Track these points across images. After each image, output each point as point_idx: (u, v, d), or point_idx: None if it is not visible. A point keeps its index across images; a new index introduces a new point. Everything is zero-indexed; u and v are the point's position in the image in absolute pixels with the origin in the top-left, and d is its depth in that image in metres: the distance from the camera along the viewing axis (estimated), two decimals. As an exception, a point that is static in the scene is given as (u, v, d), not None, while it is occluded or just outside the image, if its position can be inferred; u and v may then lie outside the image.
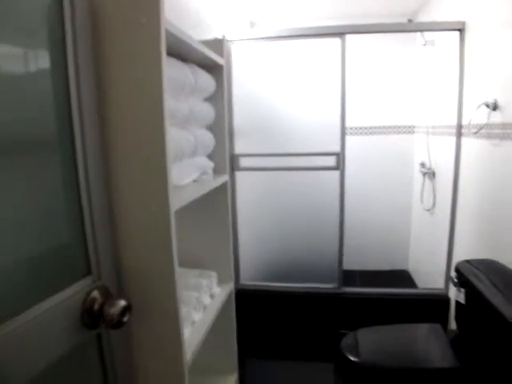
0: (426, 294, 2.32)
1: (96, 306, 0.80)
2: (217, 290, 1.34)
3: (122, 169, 0.84)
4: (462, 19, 2.04)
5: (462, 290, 1.63)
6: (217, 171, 1.36)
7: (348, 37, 2.06)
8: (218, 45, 1.25)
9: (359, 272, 3.07)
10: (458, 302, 1.68)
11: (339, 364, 1.60)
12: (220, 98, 1.30)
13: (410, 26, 2.41)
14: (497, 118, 1.73)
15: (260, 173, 2.28)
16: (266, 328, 2.34)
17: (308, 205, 2.45)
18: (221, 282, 1.39)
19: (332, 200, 2.32)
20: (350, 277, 2.45)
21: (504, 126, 1.68)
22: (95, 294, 0.81)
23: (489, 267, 1.64)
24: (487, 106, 1.78)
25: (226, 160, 1.38)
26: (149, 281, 0.89)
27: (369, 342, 1.64)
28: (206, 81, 1.19)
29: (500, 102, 1.72)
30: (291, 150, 2.32)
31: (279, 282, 2.38)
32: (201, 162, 1.22)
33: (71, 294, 0.75)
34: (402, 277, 3.14)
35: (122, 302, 0.80)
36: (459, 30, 2.02)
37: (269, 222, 2.47)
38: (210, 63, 1.22)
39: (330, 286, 2.36)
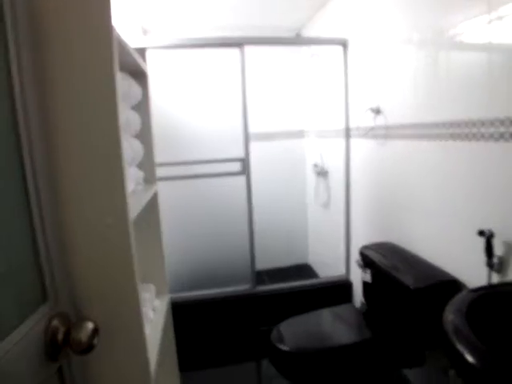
0: (331, 282, 2.57)
1: (60, 335, 0.72)
2: (157, 302, 1.30)
3: (73, 182, 0.77)
4: (344, 36, 2.34)
5: (368, 270, 1.87)
6: (146, 181, 1.32)
7: (247, 47, 2.18)
8: (140, 53, 1.23)
9: (266, 271, 3.22)
10: (364, 282, 1.92)
11: (272, 356, 1.68)
12: (146, 105, 1.27)
13: (301, 40, 2.67)
14: (381, 121, 2.03)
15: (169, 182, 2.24)
16: (191, 338, 2.30)
17: (219, 211, 2.50)
18: (157, 294, 1.35)
19: (241, 205, 2.40)
20: (259, 276, 2.56)
21: (387, 127, 1.98)
22: (55, 322, 0.73)
23: (386, 248, 1.92)
24: (372, 110, 2.07)
25: (155, 169, 1.35)
26: (110, 301, 0.83)
27: (292, 331, 1.76)
28: (135, 89, 1.15)
29: (382, 108, 2.02)
30: (198, 158, 2.33)
31: (198, 291, 2.36)
32: (134, 171, 1.17)
33: (30, 328, 0.66)
34: (305, 270, 3.40)
35: (91, 325, 0.74)
36: (343, 44, 2.32)
37: (182, 231, 2.44)
38: (136, 71, 1.18)
39: (246, 287, 2.44)
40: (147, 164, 1.31)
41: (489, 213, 1.31)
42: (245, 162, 2.32)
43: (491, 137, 1.27)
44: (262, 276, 3.04)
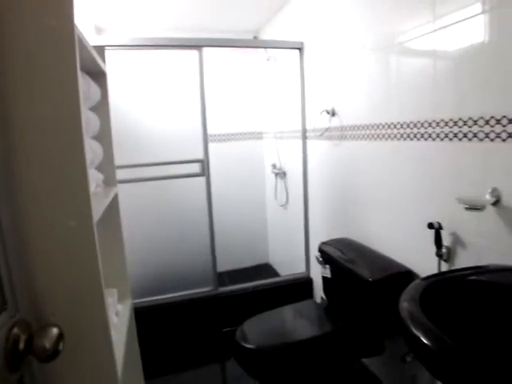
0: (292, 279, 2.63)
1: (21, 344, 0.69)
2: (120, 307, 1.27)
3: (33, 182, 0.74)
4: (300, 39, 2.41)
5: (327, 266, 1.94)
6: (106, 183, 1.29)
7: (205, 49, 2.19)
8: (98, 51, 1.20)
9: (227, 272, 3.22)
10: (324, 278, 1.99)
11: (237, 355, 1.70)
12: (104, 106, 1.24)
13: (258, 43, 2.71)
14: (336, 122, 2.11)
15: (129, 185, 2.19)
16: (155, 344, 2.25)
17: (179, 213, 2.48)
18: (120, 299, 1.32)
19: (201, 206, 2.40)
20: (220, 278, 2.56)
21: (341, 128, 2.06)
22: (16, 330, 0.70)
23: (344, 244, 1.99)
24: (327, 112, 2.15)
25: (115, 171, 1.32)
26: (75, 305, 0.81)
27: (256, 329, 1.78)
28: (94, 89, 1.13)
29: (337, 110, 2.10)
30: (158, 160, 2.30)
31: (159, 295, 2.32)
32: (93, 173, 1.15)
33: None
34: (266, 270, 3.44)
35: (55, 330, 0.72)
36: (299, 48, 2.39)
37: (143, 234, 2.39)
38: (94, 70, 1.16)
39: (208, 288, 2.44)
40: (107, 166, 1.28)
41: (437, 206, 1.41)
42: (204, 164, 2.32)
43: (437, 136, 1.37)
44: (223, 278, 3.05)
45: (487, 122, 1.15)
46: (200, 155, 2.33)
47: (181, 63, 2.29)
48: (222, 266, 2.72)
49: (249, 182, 3.41)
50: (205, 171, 2.35)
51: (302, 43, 2.39)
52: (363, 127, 1.86)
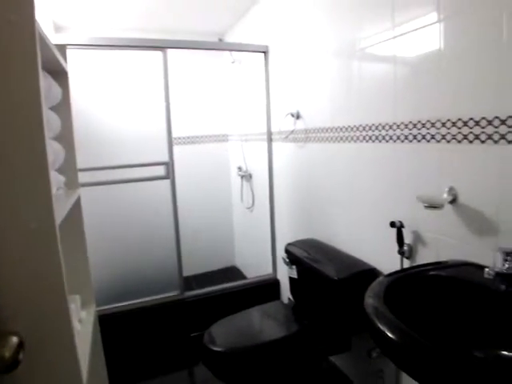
0: (259, 281, 2.64)
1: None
2: (83, 314, 1.23)
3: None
4: (265, 43, 2.43)
5: (294, 266, 1.96)
6: (68, 186, 1.24)
7: (170, 51, 2.16)
8: (60, 50, 1.16)
9: (193, 276, 3.18)
10: (291, 278, 2.01)
11: (206, 358, 1.68)
12: (66, 107, 1.20)
13: (223, 45, 2.71)
14: (300, 125, 2.15)
15: (91, 188, 2.12)
16: (121, 351, 2.18)
17: (144, 217, 2.43)
18: (83, 305, 1.28)
19: (166, 210, 2.36)
20: (186, 282, 2.53)
21: (306, 131, 2.10)
22: (-28, 340, 0.66)
23: (310, 244, 2.03)
24: (292, 115, 2.18)
25: (77, 174, 1.28)
26: (36, 312, 0.77)
27: (224, 332, 1.77)
28: (55, 88, 1.09)
29: (301, 113, 2.14)
30: (121, 163, 2.24)
31: (124, 302, 2.26)
32: (54, 175, 1.10)
33: None
34: (233, 273, 3.43)
35: (15, 339, 0.69)
36: (264, 52, 2.41)
37: (106, 239, 2.32)
38: (55, 69, 1.12)
39: (174, 293, 2.40)
40: (68, 168, 1.23)
41: (399, 206, 1.46)
42: (169, 166, 2.29)
43: (398, 138, 1.42)
44: (189, 282, 3.01)
45: (444, 125, 1.21)
46: (165, 158, 2.30)
47: (145, 64, 2.25)
48: (189, 270, 2.69)
49: (214, 185, 3.39)
50: (170, 174, 2.31)
51: (267, 47, 2.42)
52: (327, 130, 1.90)
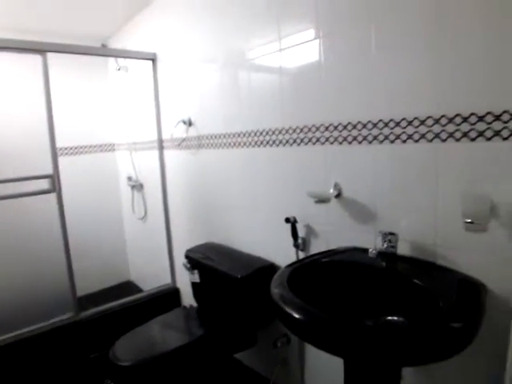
0: (158, 292, 2.58)
1: None
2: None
3: None
4: (153, 50, 2.41)
5: (196, 271, 1.98)
6: None
7: (50, 55, 1.99)
8: None
9: (86, 296, 2.93)
10: (193, 283, 2.02)
11: (113, 375, 1.60)
12: None
13: (108, 51, 2.58)
14: (193, 132, 2.18)
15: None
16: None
17: (29, 236, 2.19)
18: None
19: (54, 226, 2.16)
20: (80, 303, 2.33)
21: (199, 138, 2.14)
22: None
23: (210, 248, 2.08)
24: (184, 122, 2.21)
25: None
26: None
27: (129, 347, 1.71)
28: None
29: (193, 120, 2.17)
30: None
31: (13, 331, 1.99)
32: None
33: None
34: (129, 288, 3.26)
35: None
36: (152, 59, 2.38)
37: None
38: None
39: (68, 315, 2.20)
40: None
41: (292, 203, 1.60)
42: (54, 179, 2.10)
43: (287, 142, 1.57)
44: (82, 302, 2.77)
45: (327, 128, 1.38)
46: (49, 170, 2.10)
47: (23, 69, 2.03)
48: (83, 290, 2.50)
49: (103, 197, 3.20)
50: (55, 187, 2.12)
51: (155, 54, 2.39)
52: (220, 136, 1.97)
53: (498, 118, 0.95)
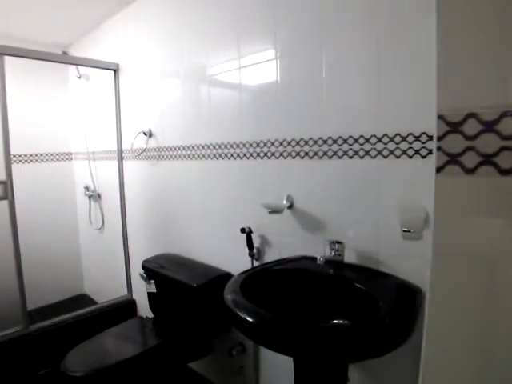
0: (114, 304, 2.53)
1: None
2: None
3: None
4: (116, 61, 2.42)
5: (152, 281, 1.99)
6: None
7: (8, 59, 1.96)
8: None
9: (36, 310, 2.81)
10: (150, 294, 2.02)
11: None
12: None
13: (69, 59, 2.55)
14: (153, 143, 2.21)
15: None
16: None
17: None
18: None
19: (5, 235, 2.09)
20: (30, 317, 2.25)
21: (159, 149, 2.17)
22: None
23: (166, 258, 2.10)
24: (145, 134, 2.23)
25: None
26: None
27: (82, 358, 1.68)
28: None
29: (154, 131, 2.20)
30: None
31: None
32: None
33: None
34: (82, 301, 3.15)
35: None
36: (114, 69, 2.39)
37: None
38: None
39: (17, 328, 2.11)
40: None
41: (248, 214, 1.66)
42: (7, 185, 2.04)
43: (244, 155, 1.64)
44: (33, 316, 2.66)
45: (281, 144, 1.46)
46: (2, 176, 2.04)
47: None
48: (33, 303, 2.41)
49: (59, 207, 3.11)
50: (8, 194, 2.06)
51: (117, 64, 2.41)
52: (179, 148, 2.01)
53: (431, 138, 1.06)
